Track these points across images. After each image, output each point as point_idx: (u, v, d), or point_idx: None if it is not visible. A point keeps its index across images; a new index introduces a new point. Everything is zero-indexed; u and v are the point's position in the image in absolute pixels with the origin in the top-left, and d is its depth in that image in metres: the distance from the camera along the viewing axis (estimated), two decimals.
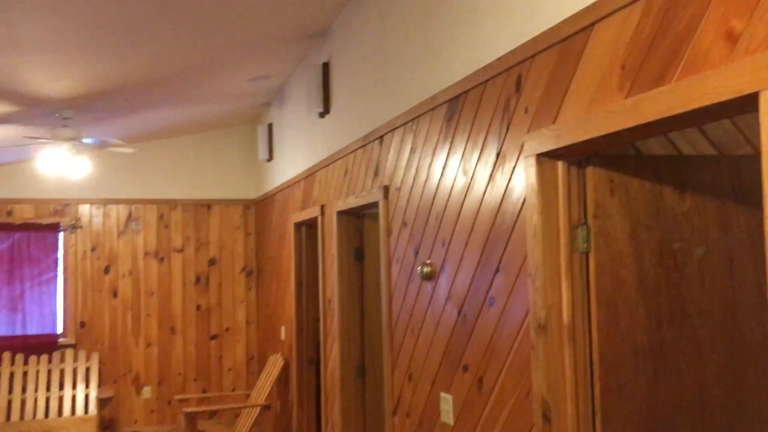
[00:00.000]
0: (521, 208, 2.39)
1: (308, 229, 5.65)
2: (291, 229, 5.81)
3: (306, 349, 5.62)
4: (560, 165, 2.24)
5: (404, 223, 3.44)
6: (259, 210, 7.47)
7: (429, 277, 3.12)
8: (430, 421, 3.13)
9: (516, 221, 2.43)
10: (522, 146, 2.37)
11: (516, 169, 2.43)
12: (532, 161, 2.26)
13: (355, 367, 4.39)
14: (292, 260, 5.73)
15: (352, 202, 4.16)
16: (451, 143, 2.94)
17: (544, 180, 2.24)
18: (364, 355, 4.41)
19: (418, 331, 3.26)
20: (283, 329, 6.20)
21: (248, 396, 6.78)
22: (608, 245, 2.17)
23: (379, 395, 4.31)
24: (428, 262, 3.14)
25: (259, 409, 5.86)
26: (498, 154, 2.56)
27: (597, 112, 1.96)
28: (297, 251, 5.67)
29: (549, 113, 2.23)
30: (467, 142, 2.80)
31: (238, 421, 6.13)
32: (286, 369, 6.00)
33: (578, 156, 2.21)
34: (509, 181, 2.47)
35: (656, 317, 2.17)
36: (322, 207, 4.86)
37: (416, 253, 3.29)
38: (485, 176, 2.65)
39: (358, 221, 4.50)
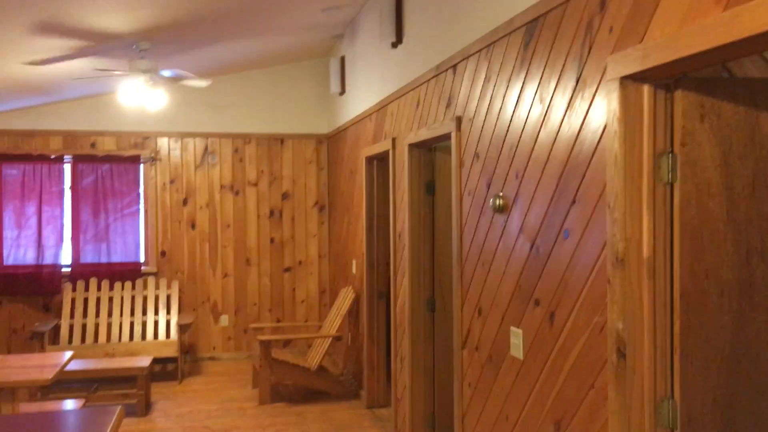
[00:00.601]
0: (601, 136, 2.26)
1: (379, 163, 5.61)
2: (362, 164, 5.78)
3: (376, 282, 5.65)
4: (646, 88, 2.09)
5: (476, 155, 3.34)
6: (331, 145, 7.46)
7: (501, 209, 3.03)
8: (499, 355, 3.09)
9: (595, 150, 2.31)
10: (605, 69, 2.22)
11: (597, 94, 2.29)
12: (615, 85, 2.12)
13: (424, 300, 4.39)
14: (363, 195, 5.72)
15: (424, 134, 4.07)
16: (528, 70, 2.80)
17: (628, 105, 2.10)
18: (434, 289, 4.39)
19: (489, 264, 3.20)
20: (354, 263, 6.26)
21: (320, 327, 6.93)
22: (696, 175, 2.02)
23: (449, 329, 4.31)
24: (501, 194, 3.04)
25: (330, 340, 5.98)
26: (578, 80, 2.41)
27: (689, 28, 1.80)
28: (368, 186, 5.65)
29: (636, 32, 2.07)
30: (545, 67, 2.66)
31: (310, 351, 6.29)
32: (356, 302, 6.08)
33: (666, 78, 2.05)
34: (589, 107, 2.34)
35: (745, 252, 2.03)
36: (394, 140, 4.79)
37: (488, 185, 3.20)
38: (563, 103, 2.52)
39: (430, 154, 4.42)
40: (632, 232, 2.11)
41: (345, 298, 6.17)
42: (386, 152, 5.01)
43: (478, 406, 3.33)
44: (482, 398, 3.28)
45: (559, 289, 2.55)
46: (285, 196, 7.62)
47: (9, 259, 6.91)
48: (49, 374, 3.73)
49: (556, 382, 2.58)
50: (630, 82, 2.10)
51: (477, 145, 3.33)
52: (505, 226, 3.03)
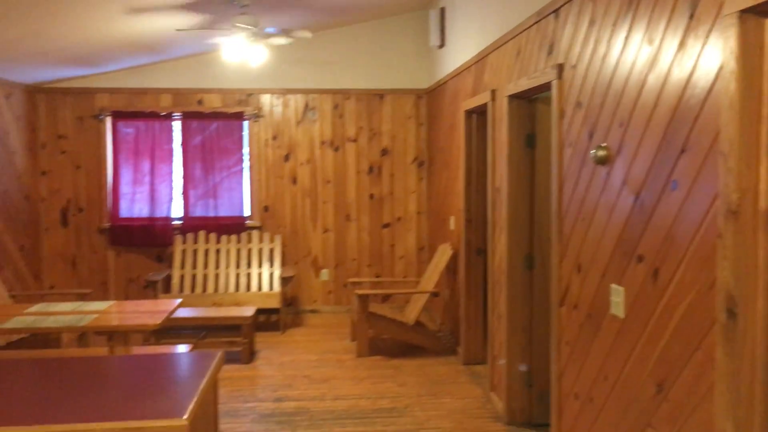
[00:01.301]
0: (716, 78, 2.07)
1: (478, 116, 5.48)
2: (461, 117, 5.66)
3: (474, 239, 5.57)
4: None
5: (578, 104, 3.17)
6: (431, 99, 7.36)
7: (604, 161, 2.88)
8: (598, 313, 2.97)
9: (708, 94, 2.12)
10: (721, 3, 2.02)
11: (712, 31, 2.09)
12: (734, 20, 1.93)
13: (522, 257, 4.28)
14: (462, 149, 5.61)
15: (524, 84, 3.91)
16: (636, 9, 2.60)
17: (747, 42, 1.91)
18: (533, 244, 4.27)
19: (590, 219, 3.06)
20: (452, 219, 6.19)
21: (418, 283, 6.94)
22: None
23: (547, 286, 4.19)
24: (603, 144, 2.88)
25: (427, 295, 5.98)
26: (691, 16, 2.21)
27: None
28: (467, 140, 5.53)
29: None
30: (654, 5, 2.46)
31: (408, 306, 6.32)
32: (454, 258, 6.03)
33: None
34: (703, 47, 2.14)
35: None
36: (493, 92, 4.65)
37: (590, 135, 3.04)
38: (674, 44, 2.32)
39: (529, 105, 4.25)
40: (748, 182, 1.93)
41: (443, 255, 6.14)
42: (485, 105, 4.87)
43: (575, 365, 3.23)
44: (580, 357, 3.17)
45: (665, 244, 2.40)
46: (384, 152, 7.62)
47: (125, 213, 7.31)
48: (157, 320, 3.93)
49: (659, 343, 2.45)
50: (750, 16, 1.90)
51: (579, 94, 3.16)
52: (607, 178, 2.87)
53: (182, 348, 4.80)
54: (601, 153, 2.87)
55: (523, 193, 4.27)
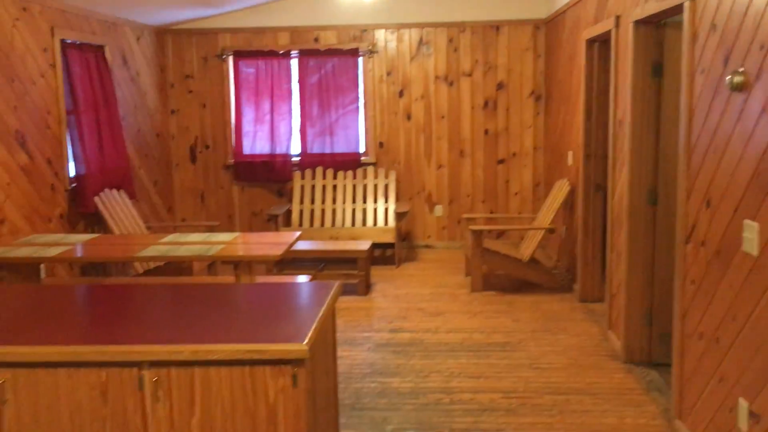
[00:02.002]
0: None
1: (600, 45, 5.20)
2: (581, 47, 5.40)
3: (593, 174, 5.38)
4: None
5: (713, 27, 2.93)
6: (549, 30, 7.05)
7: (740, 87, 2.66)
8: (728, 251, 2.81)
9: None
10: None
11: None
12: None
13: (645, 192, 4.09)
14: (582, 81, 5.37)
15: (652, 7, 3.66)
16: None
17: None
18: (657, 180, 4.07)
19: (722, 151, 2.86)
20: (570, 155, 6.00)
21: (533, 220, 6.83)
22: None
23: (670, 223, 4.00)
24: (740, 70, 2.67)
25: (543, 232, 5.88)
26: None
27: None
28: (587, 70, 5.28)
29: None
30: None
31: (523, 243, 6.25)
32: (572, 194, 5.86)
33: None
34: None
35: None
36: (617, 18, 4.38)
37: (726, 61, 2.81)
38: None
39: (657, 32, 3.98)
40: None
41: (560, 191, 5.98)
42: (608, 33, 4.61)
43: (701, 305, 3.09)
44: (706, 296, 3.03)
45: None
46: (500, 86, 7.43)
47: (248, 150, 7.59)
48: (279, 251, 4.10)
49: None
50: None
51: (714, 14, 2.92)
52: (743, 106, 2.66)
53: (302, 279, 5.01)
54: (738, 79, 2.66)
55: (647, 125, 4.05)
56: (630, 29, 4.03)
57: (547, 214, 6.02)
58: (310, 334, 2.50)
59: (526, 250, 5.95)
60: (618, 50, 4.40)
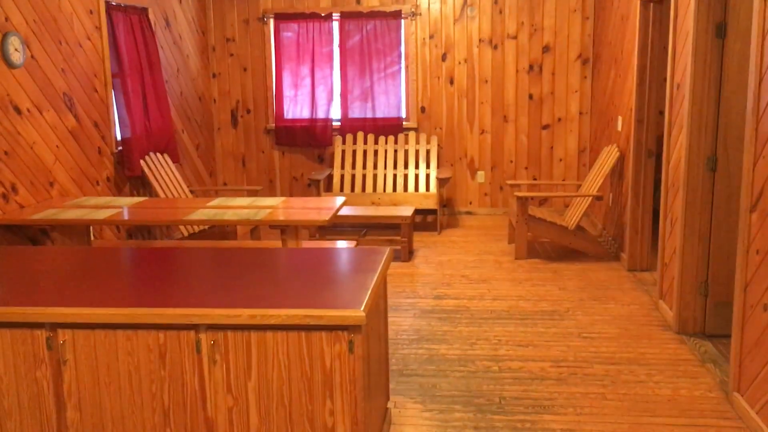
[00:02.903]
0: None
1: (656, 5, 5.00)
2: (635, 7, 5.20)
3: (645, 140, 5.22)
4: None
5: None
6: None
7: None
8: None
9: None
10: None
11: None
12: None
13: (704, 158, 3.95)
14: (635, 43, 5.19)
15: None
16: None
17: None
18: (717, 146, 3.92)
19: None
20: (619, 120, 5.83)
21: (577, 187, 6.69)
22: None
23: (731, 190, 3.87)
24: None
25: (589, 199, 5.76)
26: None
27: None
28: (641, 32, 5.09)
29: None
30: None
31: (568, 210, 6.13)
32: (621, 161, 5.72)
33: None
34: None
35: None
36: None
37: None
38: None
39: None
40: None
41: (608, 157, 5.83)
42: None
43: (765, 275, 2.99)
44: None
45: None
46: (546, 49, 7.24)
47: (288, 114, 7.55)
48: (326, 216, 4.08)
49: None
50: None
51: None
52: None
53: (347, 243, 4.99)
54: None
55: (708, 88, 3.89)
56: None
57: (594, 181, 5.89)
58: (366, 301, 2.47)
59: (572, 218, 5.84)
60: (677, 10, 4.22)
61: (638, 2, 5.11)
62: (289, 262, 3.06)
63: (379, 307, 2.95)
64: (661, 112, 4.87)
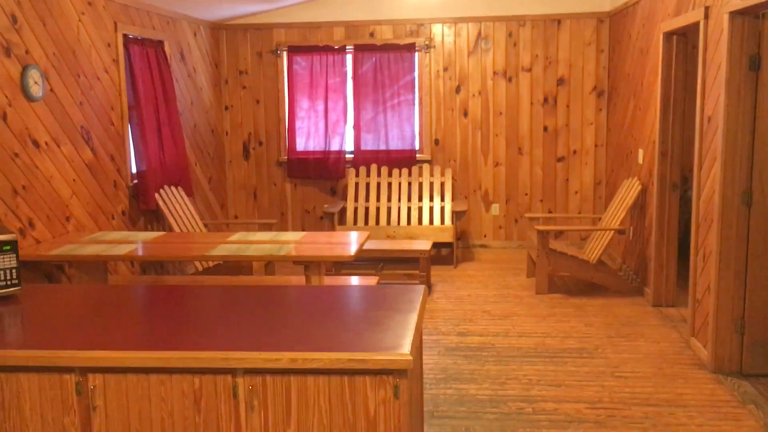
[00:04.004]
0: None
1: (680, 38, 4.97)
2: (658, 40, 5.17)
3: (669, 173, 5.15)
4: None
5: None
6: (615, 23, 6.81)
7: None
8: None
9: None
10: None
11: None
12: None
13: (739, 192, 3.87)
14: (658, 76, 5.14)
15: None
16: None
17: None
18: (752, 179, 3.84)
19: None
20: (640, 152, 5.77)
21: (595, 220, 6.61)
22: None
23: (767, 225, 3.78)
24: None
25: (611, 233, 5.66)
26: None
27: None
28: (664, 65, 5.05)
29: None
30: None
31: (588, 244, 6.04)
32: (642, 194, 5.64)
33: None
34: None
35: None
36: (707, 9, 4.16)
37: None
38: None
39: (756, 22, 3.75)
40: None
41: (629, 190, 5.76)
42: (695, 24, 4.38)
43: None
44: None
45: None
46: (560, 81, 7.21)
47: (301, 146, 7.49)
48: (351, 251, 3.98)
49: None
50: None
51: None
52: None
53: (369, 279, 4.88)
54: None
55: (743, 122, 3.82)
56: (725, 20, 3.81)
57: (615, 214, 5.80)
58: (411, 344, 2.36)
59: (592, 252, 5.75)
60: (707, 43, 4.18)
61: (660, 35, 5.08)
62: (321, 301, 2.95)
63: (418, 348, 2.83)
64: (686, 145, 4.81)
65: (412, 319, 2.62)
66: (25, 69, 4.08)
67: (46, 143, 4.32)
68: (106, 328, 2.61)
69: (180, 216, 5.75)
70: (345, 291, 3.07)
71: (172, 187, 5.84)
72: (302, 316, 2.72)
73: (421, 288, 3.05)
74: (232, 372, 2.35)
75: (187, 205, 5.95)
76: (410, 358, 2.28)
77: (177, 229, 5.61)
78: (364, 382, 2.32)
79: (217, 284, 4.62)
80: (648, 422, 3.47)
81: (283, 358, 2.30)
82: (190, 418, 2.38)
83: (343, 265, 6.00)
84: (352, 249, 4.03)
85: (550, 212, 7.37)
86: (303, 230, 7.60)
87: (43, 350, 2.38)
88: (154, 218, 5.74)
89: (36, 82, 4.18)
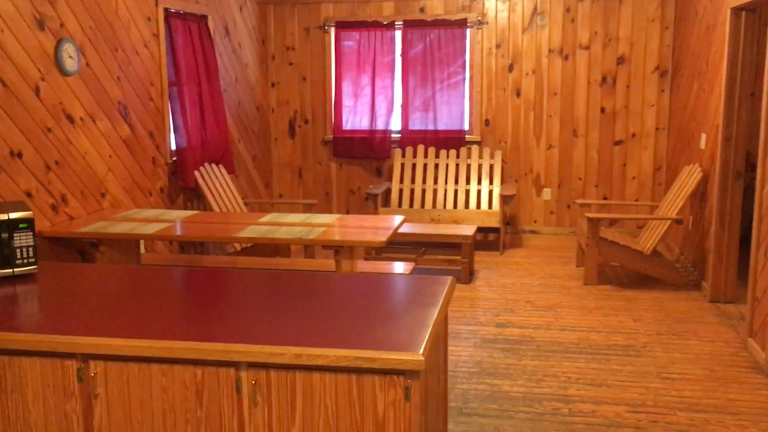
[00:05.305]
0: None
1: (749, 14, 4.57)
2: (725, 17, 4.78)
3: (733, 159, 4.78)
4: None
5: None
6: None
7: None
8: None
9: None
10: None
11: None
12: None
13: None
14: (724, 54, 4.76)
15: None
16: None
17: None
18: None
19: None
20: (703, 137, 5.38)
21: (652, 208, 6.26)
22: None
23: None
24: None
25: (669, 223, 5.32)
26: None
27: None
28: (731, 42, 4.66)
29: None
30: None
31: (643, 233, 5.70)
32: (704, 182, 5.27)
33: None
34: None
35: None
36: None
37: None
38: None
39: None
40: None
41: (689, 177, 5.39)
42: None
43: None
44: None
45: None
46: (620, 60, 6.82)
47: (347, 125, 7.33)
48: (383, 237, 3.81)
49: None
50: None
51: None
52: None
53: (404, 265, 4.71)
54: None
55: None
56: None
57: (674, 203, 5.45)
58: (425, 342, 2.19)
59: (647, 242, 5.42)
60: None
61: (728, 11, 4.69)
62: (341, 291, 2.80)
63: (439, 345, 2.65)
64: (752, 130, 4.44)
65: (432, 314, 2.44)
66: (59, 43, 4.03)
67: (81, 118, 4.28)
68: (112, 313, 2.52)
69: (219, 194, 5.69)
70: (367, 280, 2.91)
71: (213, 165, 5.78)
72: (315, 306, 2.57)
73: (448, 279, 2.86)
74: (236, 365, 2.22)
75: (227, 183, 5.88)
76: (422, 359, 2.10)
77: (216, 208, 5.55)
78: (372, 382, 2.16)
79: (244, 267, 4.53)
80: (694, 430, 3.21)
81: (288, 352, 2.16)
82: (191, 410, 2.28)
83: (382, 249, 5.85)
84: (385, 235, 3.86)
85: (605, 198, 7.03)
86: (347, 211, 7.47)
87: (43, 335, 2.30)
88: (193, 196, 5.69)
89: (71, 56, 4.13)
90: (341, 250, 3.89)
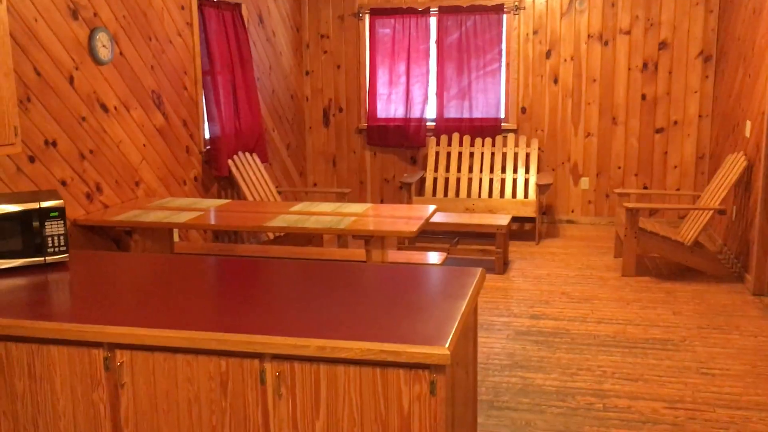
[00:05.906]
0: None
1: None
2: None
3: None
4: None
5: None
6: None
7: None
8: None
9: None
10: None
11: None
12: None
13: None
14: None
15: None
16: None
17: None
18: None
19: None
20: (748, 124, 5.20)
21: (695, 197, 6.08)
22: None
23: None
24: None
25: (711, 213, 5.16)
26: None
27: None
28: None
29: None
30: None
31: (684, 224, 5.54)
32: (748, 171, 5.09)
33: None
34: None
35: None
36: None
37: None
38: None
39: None
40: None
41: (733, 165, 5.21)
42: None
43: None
44: None
45: None
46: (662, 45, 6.62)
47: (381, 113, 7.28)
48: (414, 227, 3.76)
49: None
50: None
51: None
52: None
53: (436, 255, 4.66)
54: None
55: None
56: None
57: (716, 192, 5.28)
58: (451, 336, 2.14)
59: (689, 232, 5.26)
60: None
61: None
62: (368, 282, 2.76)
63: (468, 337, 2.60)
64: None
65: (460, 307, 2.39)
66: (93, 32, 4.06)
67: (115, 107, 4.32)
68: (139, 302, 2.53)
69: (253, 183, 5.70)
70: (395, 271, 2.86)
71: (247, 154, 5.79)
72: (342, 297, 2.54)
73: (478, 270, 2.81)
74: (260, 357, 2.20)
75: (261, 172, 5.89)
76: (447, 353, 2.05)
77: (249, 197, 5.56)
78: (397, 376, 2.12)
79: (275, 256, 4.53)
80: (733, 428, 3.10)
81: (311, 345, 2.14)
82: (216, 401, 2.27)
83: (415, 239, 5.80)
84: (416, 224, 3.80)
85: (645, 188, 6.85)
86: (381, 200, 7.43)
87: (71, 323, 2.31)
88: (227, 184, 5.72)
89: (104, 45, 4.16)
90: (371, 239, 3.85)
